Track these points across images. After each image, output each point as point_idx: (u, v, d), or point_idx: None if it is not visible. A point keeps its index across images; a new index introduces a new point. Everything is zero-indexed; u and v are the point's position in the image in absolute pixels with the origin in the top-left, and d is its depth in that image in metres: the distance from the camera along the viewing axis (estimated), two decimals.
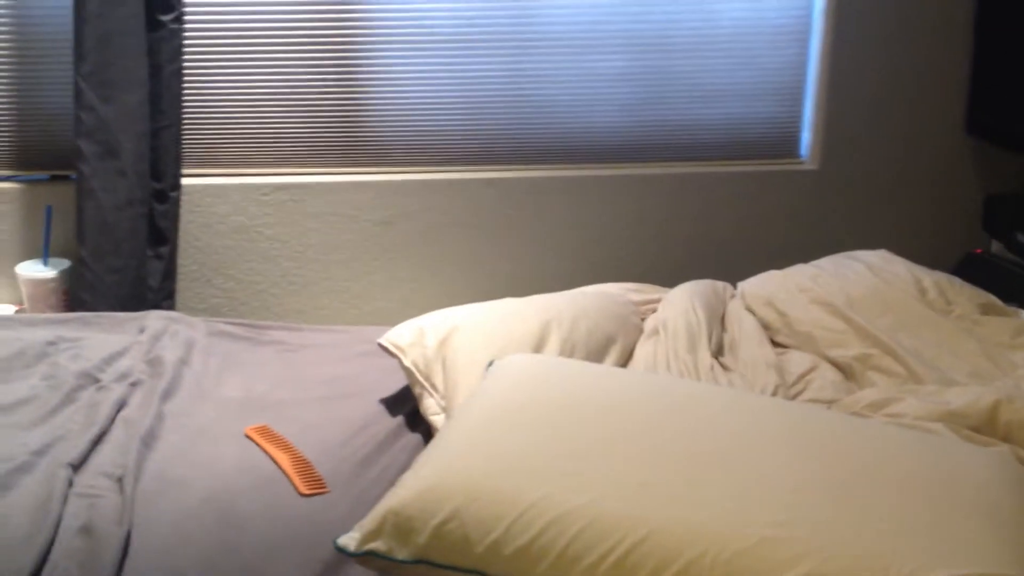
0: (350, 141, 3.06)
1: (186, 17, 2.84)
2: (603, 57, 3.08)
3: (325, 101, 3.01)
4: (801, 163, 3.24)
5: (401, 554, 1.32)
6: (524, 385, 1.58)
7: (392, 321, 2.39)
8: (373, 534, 1.34)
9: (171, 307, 2.98)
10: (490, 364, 1.79)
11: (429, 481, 1.36)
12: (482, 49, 3.03)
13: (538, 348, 1.91)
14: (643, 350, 2.04)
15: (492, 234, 3.11)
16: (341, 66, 2.99)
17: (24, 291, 2.85)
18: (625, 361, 2.03)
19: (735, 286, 2.40)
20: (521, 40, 3.03)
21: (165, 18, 2.76)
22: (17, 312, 2.87)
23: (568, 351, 1.92)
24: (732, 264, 3.00)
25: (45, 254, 2.90)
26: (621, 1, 3.02)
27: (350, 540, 1.35)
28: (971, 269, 3.04)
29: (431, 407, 1.88)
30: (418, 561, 1.32)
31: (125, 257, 2.83)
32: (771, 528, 1.26)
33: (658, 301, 2.24)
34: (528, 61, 3.05)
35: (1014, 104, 3.01)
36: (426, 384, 1.90)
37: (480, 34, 3.01)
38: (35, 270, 2.85)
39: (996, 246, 3.08)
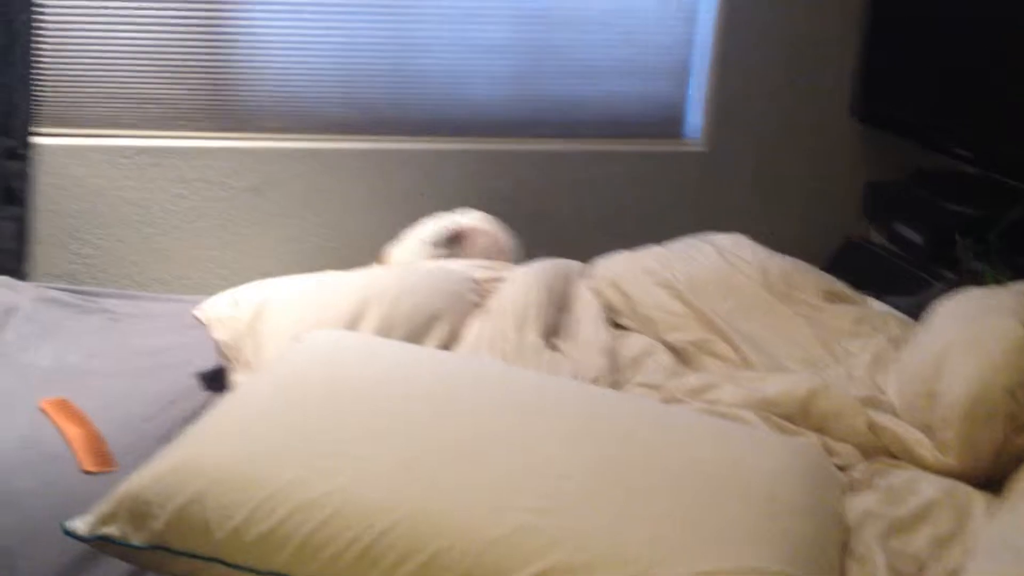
0: (218, 104, 2.94)
1: None
2: (483, 28, 2.99)
3: (192, 60, 2.89)
4: (689, 144, 3.17)
5: (136, 539, 1.23)
6: (312, 364, 1.49)
7: None
8: (108, 518, 1.25)
9: (22, 272, 2.85)
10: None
11: (172, 463, 1.27)
12: (359, 14, 2.92)
13: (353, 325, 1.83)
14: (472, 329, 1.96)
15: (360, 205, 3.01)
16: (210, 23, 2.87)
17: None
18: (451, 340, 1.95)
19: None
20: (400, 7, 2.93)
21: None
22: None
23: (387, 329, 1.84)
24: (609, 246, 2.93)
25: None
26: None
27: (82, 523, 1.26)
28: (850, 255, 3.01)
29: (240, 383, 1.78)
30: (154, 547, 1.23)
31: None
32: (528, 515, 1.19)
33: (503, 279, 2.16)
34: (406, 29, 2.95)
35: (900, 90, 2.97)
36: (235, 359, 1.81)
37: None
38: None
39: (875, 233, 3.04)
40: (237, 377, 1.81)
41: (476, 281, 2.13)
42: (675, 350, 1.98)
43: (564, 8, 3.00)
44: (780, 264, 2.16)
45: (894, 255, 2.87)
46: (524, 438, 1.34)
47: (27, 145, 2.76)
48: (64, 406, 1.80)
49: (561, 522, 1.18)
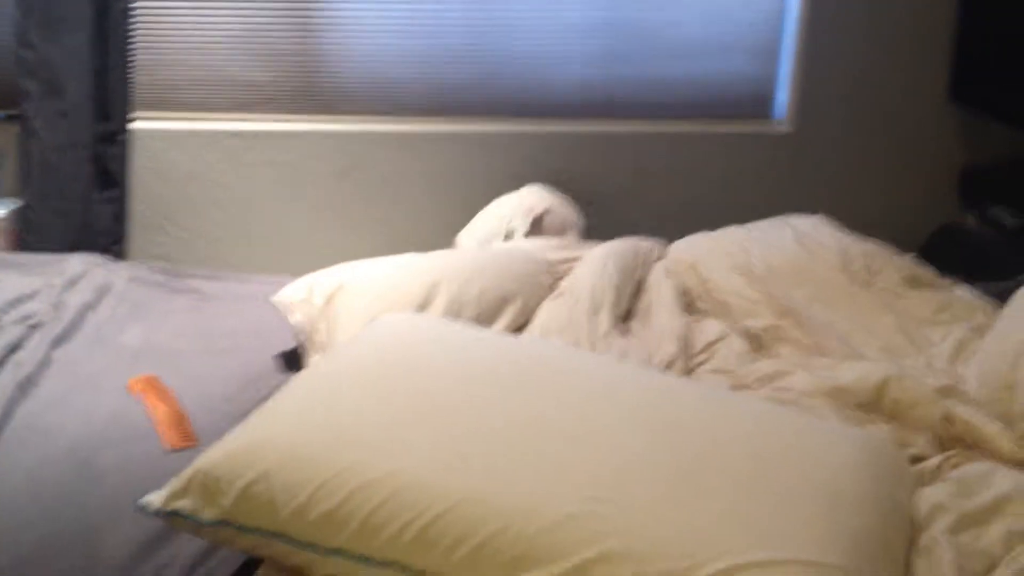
0: (308, 87, 3.00)
1: None
2: (570, 8, 2.97)
3: (283, 45, 2.95)
4: (774, 124, 3.12)
5: (206, 515, 1.27)
6: (380, 347, 1.52)
7: None
8: (180, 493, 1.29)
9: (121, 252, 2.95)
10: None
11: (243, 442, 1.31)
12: None
13: (423, 307, 1.85)
14: (543, 312, 1.97)
15: (448, 188, 3.04)
16: (300, 8, 2.92)
17: None
18: (523, 322, 1.96)
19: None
20: None
21: None
22: None
23: (456, 310, 1.86)
24: (693, 228, 2.90)
25: None
26: None
27: (156, 497, 1.31)
28: (944, 240, 2.93)
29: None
30: (222, 523, 1.27)
31: (70, 200, 2.80)
32: (584, 502, 1.19)
33: (578, 259, 2.16)
34: (492, 10, 2.96)
35: (1000, 71, 2.87)
36: (311, 341, 1.85)
37: None
38: None
39: (971, 219, 2.95)
40: (313, 359, 1.85)
41: (550, 262, 2.13)
42: (749, 336, 1.96)
43: None
44: (861, 248, 2.12)
45: (990, 240, 2.78)
46: (586, 424, 1.34)
47: (125, 129, 2.85)
48: (152, 383, 1.87)
49: (617, 510, 1.19)
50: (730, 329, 1.97)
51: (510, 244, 2.25)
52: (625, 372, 1.56)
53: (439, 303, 1.87)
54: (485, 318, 1.90)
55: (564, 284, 2.07)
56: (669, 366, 1.80)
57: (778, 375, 1.73)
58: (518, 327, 1.95)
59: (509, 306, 1.95)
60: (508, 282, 1.99)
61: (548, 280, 2.09)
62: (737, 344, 1.91)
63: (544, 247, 2.22)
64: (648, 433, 1.34)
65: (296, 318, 1.88)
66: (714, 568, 1.12)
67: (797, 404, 1.61)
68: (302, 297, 1.90)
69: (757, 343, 1.94)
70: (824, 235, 2.15)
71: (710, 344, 1.92)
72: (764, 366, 1.78)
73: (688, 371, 1.82)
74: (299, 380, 1.47)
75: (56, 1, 2.66)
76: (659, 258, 2.22)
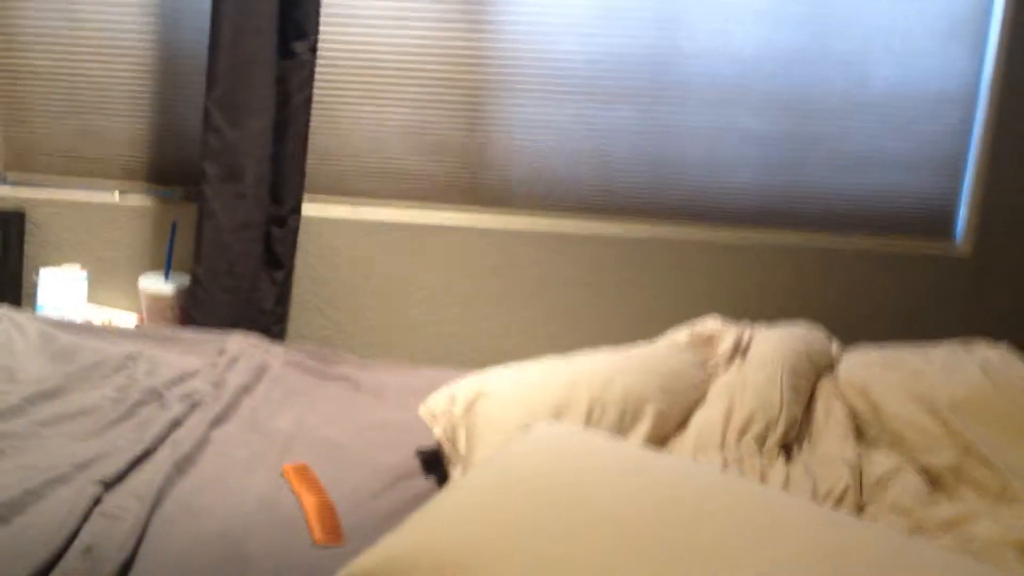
0: (472, 183, 3.02)
1: (320, 47, 2.87)
2: (742, 114, 2.93)
3: (450, 141, 2.99)
4: (954, 244, 2.98)
5: None
6: (532, 460, 1.47)
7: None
8: None
9: (282, 332, 3.01)
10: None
11: (397, 549, 1.27)
12: (614, 99, 2.94)
13: (564, 410, 1.80)
14: (700, 421, 1.88)
15: (607, 291, 2.99)
16: (469, 107, 2.96)
17: (143, 303, 2.94)
18: (672, 426, 1.88)
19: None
20: (655, 92, 2.93)
21: (298, 47, 2.80)
22: (137, 325, 2.95)
23: (598, 413, 1.81)
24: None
25: (167, 269, 2.98)
26: (763, 57, 2.87)
27: None
28: None
29: (456, 476, 1.79)
30: None
31: (238, 278, 2.87)
32: None
33: (739, 346, 2.09)
34: (661, 114, 2.94)
35: None
36: (451, 453, 1.82)
37: (613, 84, 2.92)
38: (154, 284, 2.92)
39: None
40: (454, 471, 1.81)
41: (701, 359, 2.06)
42: (927, 473, 1.82)
43: (825, 96, 2.90)
44: None
45: None
46: (748, 562, 1.25)
47: (296, 213, 2.92)
48: (305, 472, 1.86)
49: None
50: (905, 463, 1.84)
51: (662, 343, 2.17)
52: (791, 506, 1.46)
53: (580, 406, 1.82)
54: (629, 420, 1.83)
55: (723, 385, 1.98)
56: (839, 500, 1.69)
57: (961, 521, 1.59)
58: (666, 430, 1.87)
59: (652, 407, 1.87)
60: (651, 379, 1.92)
61: (700, 377, 2.00)
62: (913, 481, 1.78)
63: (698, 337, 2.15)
64: (816, 574, 1.23)
65: (438, 430, 1.85)
66: None
67: (983, 556, 1.47)
68: (443, 408, 1.88)
69: (936, 482, 1.81)
70: (1014, 367, 2.00)
71: (883, 478, 1.79)
72: (945, 510, 1.64)
73: (859, 507, 1.70)
74: (453, 488, 1.43)
75: (242, 88, 2.76)
76: (832, 364, 2.11)
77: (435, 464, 1.93)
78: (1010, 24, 2.79)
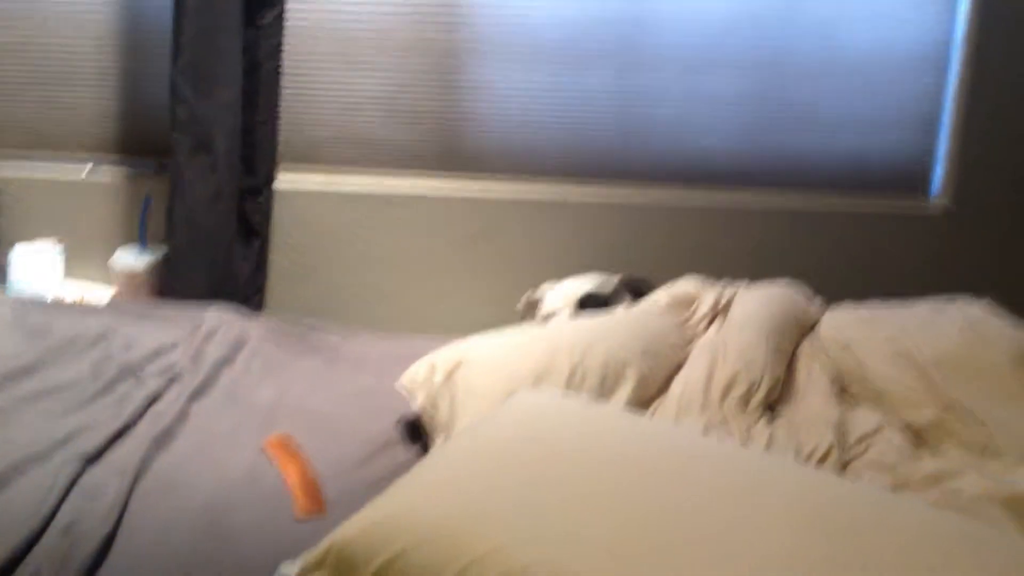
0: (447, 149, 3.00)
1: (288, 16, 2.83)
2: (715, 78, 2.91)
3: (424, 107, 2.96)
4: (930, 202, 2.98)
5: None
6: (517, 426, 1.46)
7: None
8: (315, 566, 1.25)
9: (260, 302, 2.98)
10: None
11: (380, 517, 1.25)
12: (588, 64, 2.91)
13: (544, 376, 1.79)
14: (682, 381, 1.88)
15: (585, 256, 2.98)
16: (442, 73, 2.93)
17: (117, 279, 2.90)
18: (654, 389, 1.88)
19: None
20: (629, 58, 2.90)
21: (264, 16, 2.75)
22: (112, 299, 2.91)
23: (579, 378, 1.80)
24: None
25: (142, 242, 2.94)
26: (736, 20, 2.85)
27: (291, 569, 1.27)
28: None
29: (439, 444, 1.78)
30: None
31: (214, 249, 2.84)
32: None
33: (719, 306, 2.09)
34: (635, 79, 2.92)
35: None
36: (434, 422, 1.81)
37: (587, 49, 2.89)
38: (128, 259, 2.89)
39: None
40: (436, 439, 1.80)
41: (680, 321, 2.06)
42: (910, 429, 1.83)
43: (797, 57, 2.89)
44: None
45: None
46: (731, 522, 1.25)
47: (269, 184, 2.89)
48: (287, 444, 1.84)
49: None
50: (888, 419, 1.84)
51: (640, 307, 2.17)
52: (774, 467, 1.45)
53: (561, 371, 1.81)
54: (610, 383, 1.82)
55: (705, 346, 1.98)
56: (823, 459, 1.69)
57: (945, 476, 1.59)
58: (648, 393, 1.86)
59: (633, 370, 1.86)
60: (633, 343, 1.91)
61: (681, 338, 2.00)
62: (896, 438, 1.78)
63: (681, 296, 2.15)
64: (796, 537, 1.23)
65: (419, 401, 1.84)
66: None
67: (969, 511, 1.47)
68: (423, 377, 1.86)
69: (919, 438, 1.81)
70: (998, 322, 2.00)
71: (866, 436, 1.79)
72: (929, 465, 1.65)
73: (843, 465, 1.70)
74: (437, 455, 1.42)
75: (209, 58, 2.71)
76: (815, 325, 2.11)
77: (418, 432, 1.91)
78: None
